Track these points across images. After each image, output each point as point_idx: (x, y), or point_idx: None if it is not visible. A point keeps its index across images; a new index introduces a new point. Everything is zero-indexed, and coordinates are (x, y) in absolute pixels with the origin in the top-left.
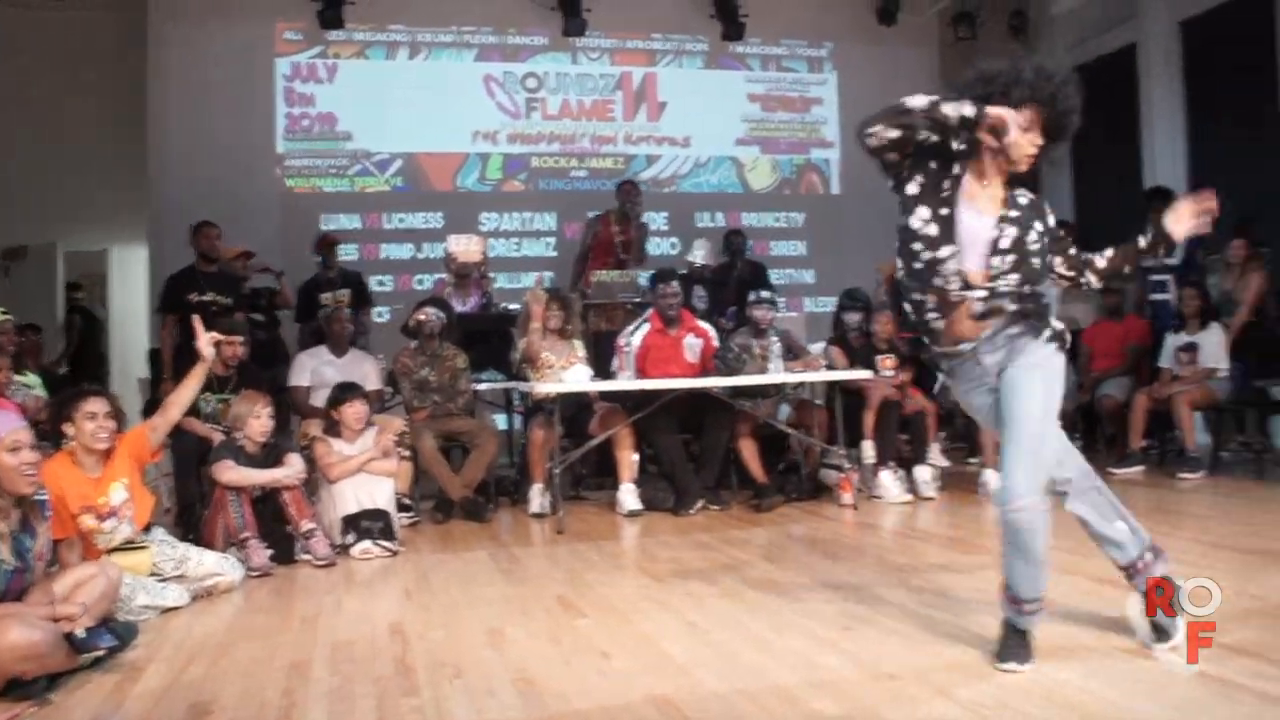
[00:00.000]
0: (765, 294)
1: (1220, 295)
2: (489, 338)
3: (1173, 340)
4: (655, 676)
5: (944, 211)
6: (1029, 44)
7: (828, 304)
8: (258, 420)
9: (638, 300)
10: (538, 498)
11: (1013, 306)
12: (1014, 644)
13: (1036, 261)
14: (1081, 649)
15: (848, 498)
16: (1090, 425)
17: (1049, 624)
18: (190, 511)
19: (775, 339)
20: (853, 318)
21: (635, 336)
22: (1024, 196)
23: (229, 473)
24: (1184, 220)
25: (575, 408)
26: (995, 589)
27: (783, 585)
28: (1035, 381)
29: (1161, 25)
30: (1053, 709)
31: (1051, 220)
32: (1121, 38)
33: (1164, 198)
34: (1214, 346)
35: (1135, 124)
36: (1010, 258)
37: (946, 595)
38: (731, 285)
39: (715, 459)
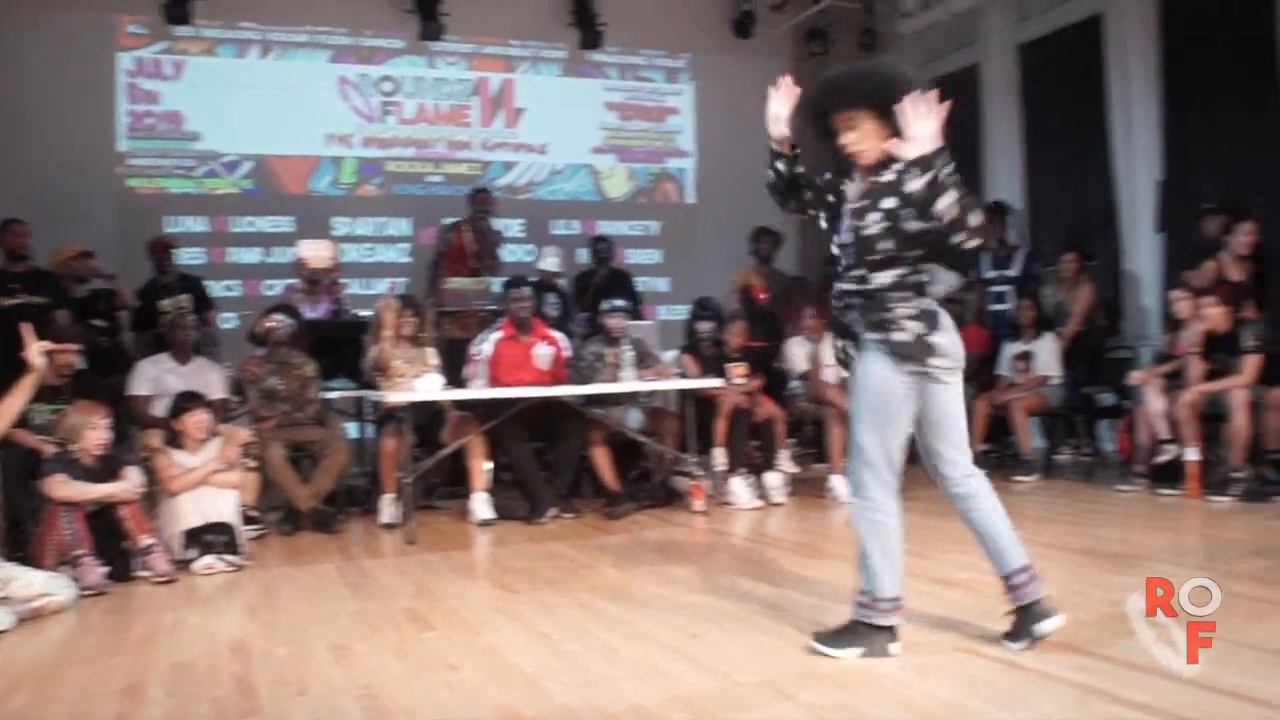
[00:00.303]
0: (618, 302)
1: (1054, 306)
2: (340, 345)
3: (1010, 349)
4: (503, 689)
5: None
6: None
7: (682, 312)
8: (94, 432)
9: (491, 308)
10: (389, 508)
11: (855, 303)
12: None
13: (882, 246)
14: (919, 648)
15: (699, 504)
16: None
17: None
18: (19, 529)
19: (628, 347)
20: (705, 326)
21: (487, 344)
22: (890, 173)
23: (62, 488)
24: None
25: (428, 416)
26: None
27: (634, 593)
28: (851, 389)
29: (1001, 48)
30: (891, 708)
31: (920, 182)
32: (965, 58)
33: (1002, 212)
34: (1048, 355)
35: (977, 141)
36: (850, 251)
37: (795, 600)
38: (592, 292)
39: (568, 467)
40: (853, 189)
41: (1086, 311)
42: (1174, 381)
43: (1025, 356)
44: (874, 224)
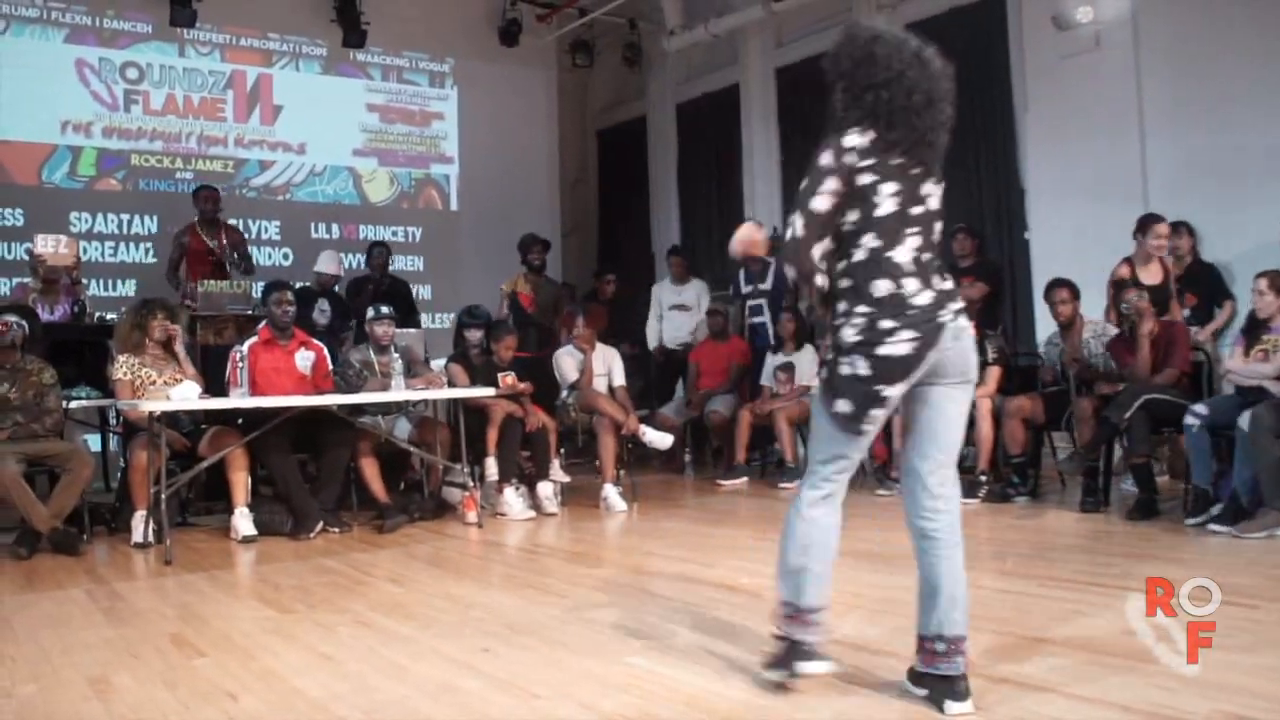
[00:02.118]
0: (385, 309)
1: (816, 319)
2: (81, 350)
3: (772, 360)
4: (288, 716)
5: None
6: (642, 77)
7: (445, 320)
8: None
9: (250, 312)
10: (140, 526)
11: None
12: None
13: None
14: (715, 655)
15: (472, 516)
16: (699, 439)
17: (688, 633)
18: None
19: (397, 355)
20: (474, 335)
21: (246, 350)
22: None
23: None
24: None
25: (188, 426)
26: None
27: (415, 609)
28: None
29: (759, 70)
30: (690, 712)
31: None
32: (726, 78)
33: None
34: (809, 366)
35: (738, 159)
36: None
37: (577, 609)
38: (367, 298)
39: (335, 479)
40: None
41: None
42: None
43: (787, 368)
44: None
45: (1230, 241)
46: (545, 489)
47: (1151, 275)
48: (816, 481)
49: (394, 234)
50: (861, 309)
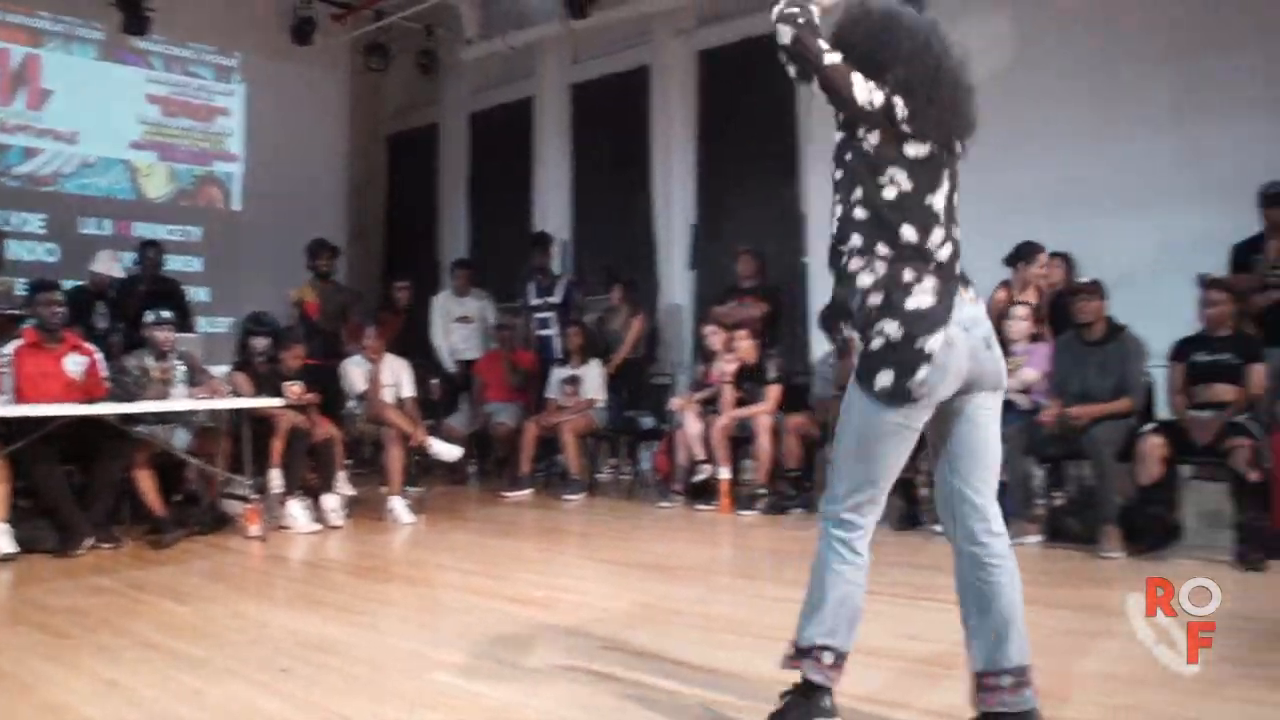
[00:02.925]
0: (165, 313)
1: (608, 335)
2: None
3: (559, 373)
4: None
5: None
6: (437, 84)
7: (224, 324)
8: None
9: (11, 311)
10: None
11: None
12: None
13: (851, 213)
14: (518, 668)
15: (255, 529)
16: (483, 450)
17: (488, 647)
18: None
19: (178, 362)
20: (260, 342)
21: (10, 354)
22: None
23: None
24: None
25: None
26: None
27: (204, 629)
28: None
29: (555, 85)
30: None
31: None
32: (522, 90)
33: (546, 242)
34: (594, 380)
35: (530, 172)
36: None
37: (374, 625)
38: (136, 301)
39: (107, 491)
40: None
41: (636, 341)
42: (709, 407)
43: (573, 380)
44: (846, 180)
45: (993, 271)
46: (330, 501)
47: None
48: (840, 517)
49: (171, 233)
50: (883, 250)
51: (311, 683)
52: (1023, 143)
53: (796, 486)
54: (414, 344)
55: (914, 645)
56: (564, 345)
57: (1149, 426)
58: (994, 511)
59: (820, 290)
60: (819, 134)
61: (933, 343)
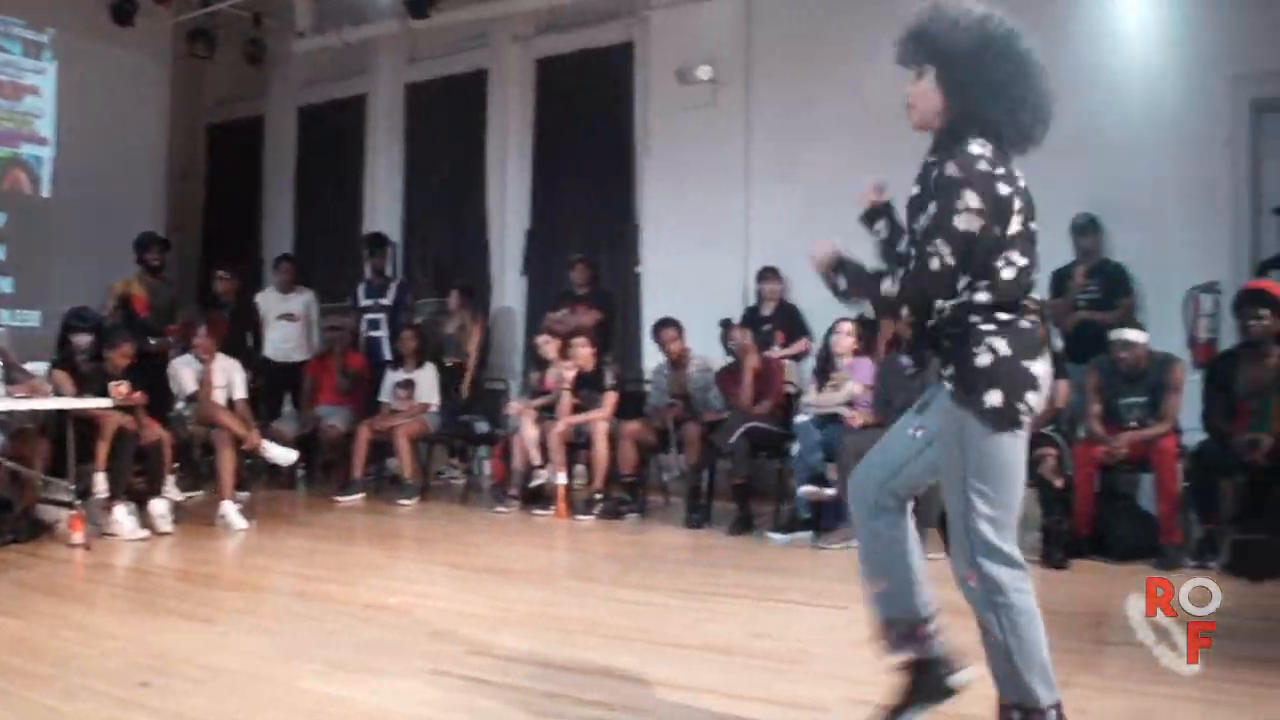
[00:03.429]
0: None
1: (441, 339)
2: None
3: (392, 376)
4: None
5: None
6: (264, 74)
7: (30, 318)
8: None
9: None
10: None
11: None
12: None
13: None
14: (386, 673)
15: (78, 536)
16: (311, 454)
17: (351, 654)
18: None
19: None
20: (82, 339)
21: None
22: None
23: None
24: None
25: None
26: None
27: (43, 644)
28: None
29: (390, 83)
30: None
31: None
32: (355, 87)
33: (380, 244)
34: (428, 383)
35: (361, 170)
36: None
37: (226, 634)
38: None
39: None
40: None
41: (480, 348)
42: (545, 413)
43: (407, 385)
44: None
45: (813, 288)
46: (158, 506)
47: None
48: (999, 542)
49: None
50: (989, 326)
51: (178, 695)
52: (847, 165)
53: (631, 492)
54: (239, 342)
55: (762, 643)
56: (395, 348)
57: None
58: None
59: (653, 300)
60: (656, 148)
61: (1037, 367)
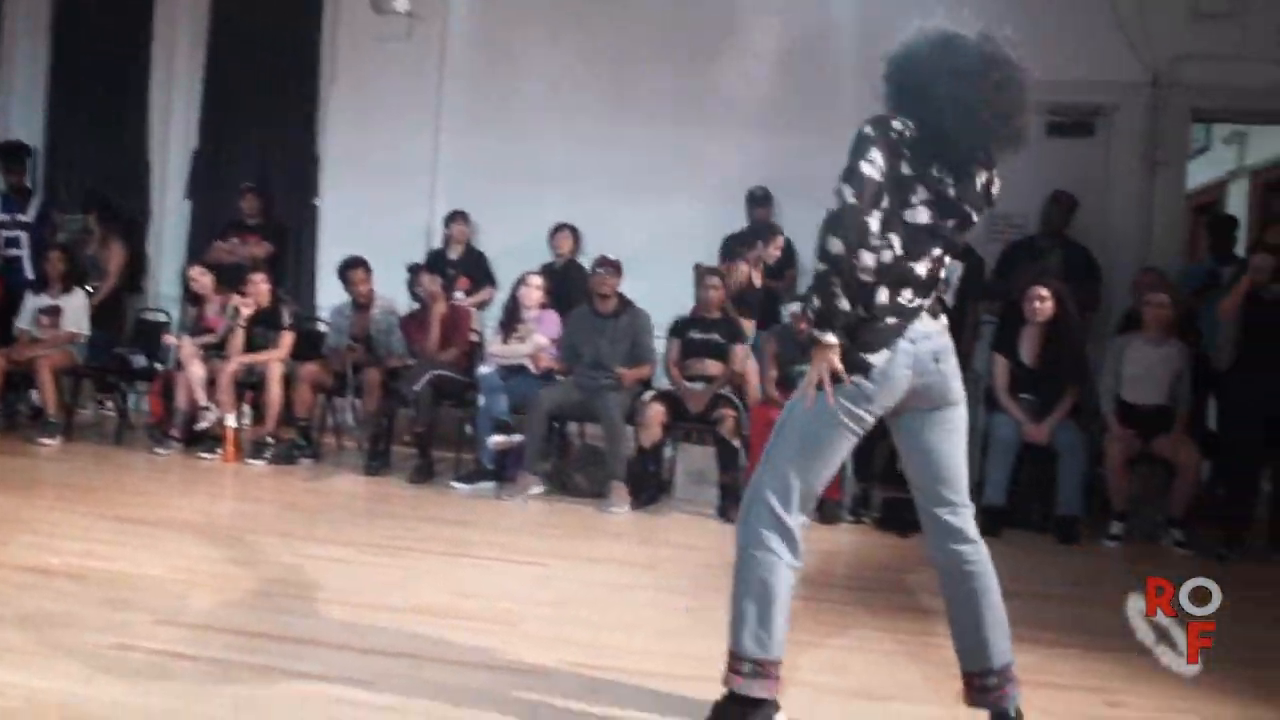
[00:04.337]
0: None
1: (88, 261)
2: None
3: (34, 301)
4: None
5: None
6: None
7: None
8: None
9: None
10: None
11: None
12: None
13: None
14: (63, 652)
15: None
16: None
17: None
18: None
19: None
20: None
21: None
22: None
23: None
24: None
25: None
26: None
27: None
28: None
29: None
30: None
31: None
32: None
33: (23, 153)
34: (77, 311)
35: None
36: None
37: None
38: None
39: None
40: None
41: (120, 271)
42: (213, 351)
43: (53, 311)
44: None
45: (500, 235)
46: None
47: None
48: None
49: None
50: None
51: None
52: (543, 114)
53: (305, 436)
54: None
55: (469, 603)
56: (39, 270)
57: (650, 394)
58: (959, 523)
59: (332, 236)
60: (343, 77)
61: (876, 357)
